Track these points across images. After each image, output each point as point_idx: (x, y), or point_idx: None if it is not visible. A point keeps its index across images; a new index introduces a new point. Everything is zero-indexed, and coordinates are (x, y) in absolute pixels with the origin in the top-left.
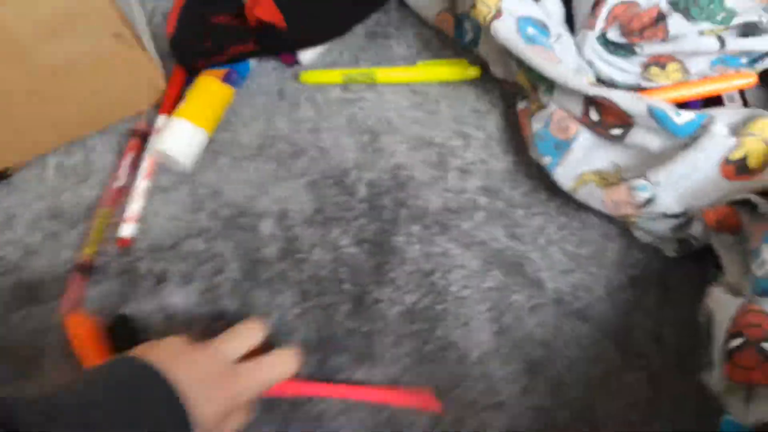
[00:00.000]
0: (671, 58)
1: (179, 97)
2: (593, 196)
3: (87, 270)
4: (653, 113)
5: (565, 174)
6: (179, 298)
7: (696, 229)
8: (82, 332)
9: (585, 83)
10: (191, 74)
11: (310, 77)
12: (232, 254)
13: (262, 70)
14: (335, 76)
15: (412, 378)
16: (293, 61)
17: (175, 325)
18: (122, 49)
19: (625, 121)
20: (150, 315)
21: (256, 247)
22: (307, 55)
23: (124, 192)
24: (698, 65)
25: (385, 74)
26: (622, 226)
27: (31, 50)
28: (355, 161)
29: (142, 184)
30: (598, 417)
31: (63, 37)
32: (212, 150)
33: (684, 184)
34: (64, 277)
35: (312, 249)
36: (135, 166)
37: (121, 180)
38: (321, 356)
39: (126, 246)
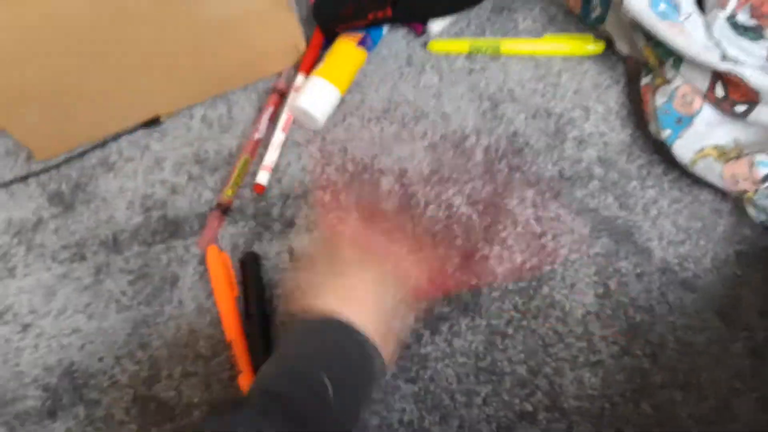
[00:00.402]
0: None
1: (317, 59)
2: (711, 170)
3: (226, 209)
4: None
5: (684, 147)
6: (304, 242)
7: None
8: (217, 264)
9: (715, 57)
10: (329, 38)
11: (438, 46)
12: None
13: (393, 37)
14: (461, 45)
15: (514, 330)
16: (422, 30)
17: (299, 267)
18: (275, 10)
19: (751, 98)
20: (278, 255)
21: (376, 200)
22: (435, 25)
23: (262, 143)
24: None
25: (509, 45)
26: (733, 204)
27: (195, 5)
28: (474, 127)
29: (279, 136)
30: (701, 382)
31: None
32: (342, 110)
33: None
34: (204, 215)
35: (427, 206)
36: (273, 120)
37: (260, 132)
38: (428, 304)
39: (261, 192)
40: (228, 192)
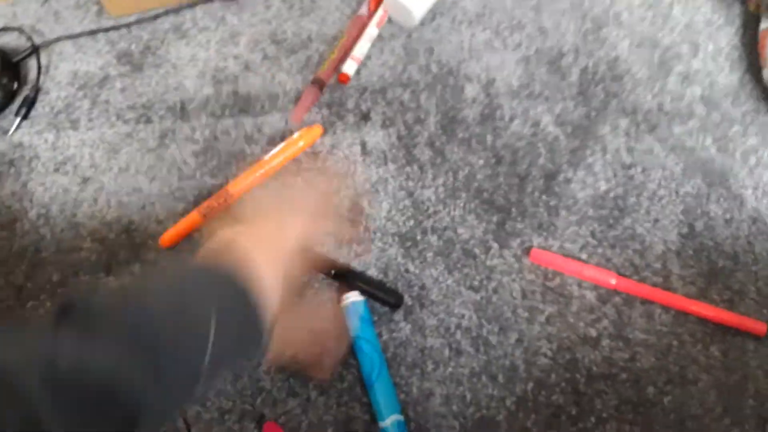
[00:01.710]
0: None
1: None
2: None
3: (322, 86)
4: None
5: None
6: (377, 138)
7: None
8: (302, 141)
9: None
10: None
11: None
12: (435, 109)
13: None
14: None
15: (588, 257)
16: None
17: (369, 161)
18: None
19: None
20: (348, 146)
21: (458, 107)
22: None
23: (358, 29)
24: None
25: None
26: None
27: None
28: (573, 46)
29: (372, 30)
30: None
31: None
32: (434, 10)
33: None
34: (276, 95)
35: (512, 120)
36: (369, 10)
37: (361, 18)
38: (501, 217)
39: (345, 81)
40: (323, 67)
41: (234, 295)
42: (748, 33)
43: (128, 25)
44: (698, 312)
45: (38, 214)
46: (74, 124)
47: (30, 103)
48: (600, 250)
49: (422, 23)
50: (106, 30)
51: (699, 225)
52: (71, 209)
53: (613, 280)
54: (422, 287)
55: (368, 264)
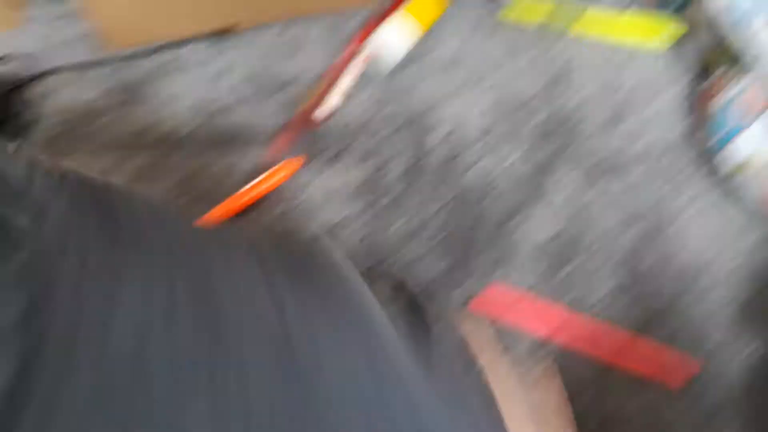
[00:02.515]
0: None
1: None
2: (750, 183)
3: (305, 123)
4: None
5: (734, 151)
6: (348, 177)
7: None
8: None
9: None
10: None
11: (514, 11)
12: (403, 151)
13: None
14: (537, 13)
15: (543, 290)
16: None
17: (338, 199)
18: None
19: None
20: (321, 184)
21: (425, 149)
22: None
23: (338, 71)
24: None
25: (585, 20)
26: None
27: None
28: (534, 96)
29: (353, 69)
30: None
31: None
32: (409, 57)
33: None
34: (257, 131)
35: (474, 164)
36: (352, 53)
37: (341, 62)
38: (459, 257)
39: (321, 122)
40: (303, 107)
41: None
42: (697, 87)
43: (125, 59)
44: (625, 363)
45: None
46: (69, 151)
47: (28, 130)
48: (546, 293)
49: (397, 69)
50: (105, 63)
51: (639, 270)
52: None
53: (552, 327)
54: None
55: None
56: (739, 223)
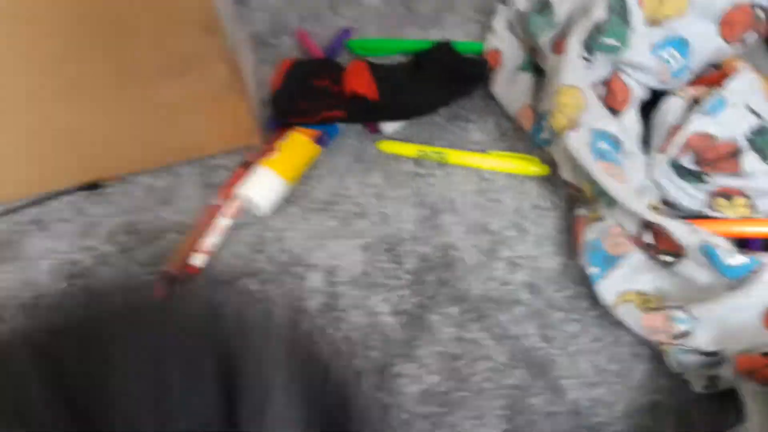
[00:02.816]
0: (740, 192)
1: (271, 148)
2: (631, 316)
3: (172, 281)
4: (705, 250)
5: (608, 288)
6: None
7: (726, 371)
8: None
9: (644, 207)
10: (285, 128)
11: (388, 147)
12: (280, 300)
13: (347, 133)
14: (410, 149)
15: None
16: (375, 130)
17: None
18: (226, 95)
19: (677, 250)
20: None
21: (302, 297)
22: (389, 127)
23: (208, 221)
24: (767, 205)
25: (456, 156)
26: (654, 350)
27: (152, 84)
28: (411, 233)
29: (223, 221)
30: None
31: (182, 76)
32: (287, 198)
33: (723, 324)
34: (126, 290)
35: (351, 310)
36: (223, 202)
37: (213, 208)
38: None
39: (194, 273)
40: (172, 259)
41: None
42: (572, 217)
43: None
44: None
45: None
46: None
47: None
48: None
49: (277, 212)
50: None
51: (521, 420)
52: None
53: None
54: None
55: None
56: (628, 353)
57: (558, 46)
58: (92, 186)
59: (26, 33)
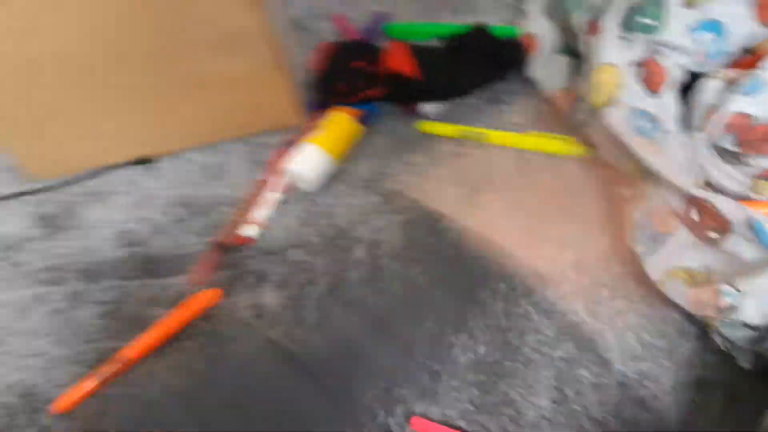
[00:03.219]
0: None
1: (315, 126)
2: (679, 291)
3: (227, 249)
4: (752, 224)
5: (656, 265)
6: (270, 299)
7: None
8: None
9: (689, 182)
10: (326, 108)
11: (428, 127)
12: (325, 270)
13: (388, 115)
14: (451, 130)
15: (466, 423)
16: (415, 112)
17: (261, 323)
18: (270, 73)
19: (724, 226)
20: (245, 308)
21: (346, 268)
22: (428, 108)
23: (257, 195)
24: None
25: (496, 136)
26: (700, 327)
27: (200, 60)
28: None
29: (273, 195)
30: None
31: (231, 55)
32: (334, 176)
33: None
34: (182, 257)
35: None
36: (271, 176)
37: (263, 183)
38: (388, 384)
39: (245, 243)
40: (225, 230)
41: None
42: (613, 198)
43: (49, 189)
44: None
45: None
46: None
47: None
48: (478, 416)
49: (324, 189)
50: (29, 193)
51: (569, 390)
52: None
53: None
54: None
55: None
56: (674, 330)
57: (592, 27)
58: (146, 161)
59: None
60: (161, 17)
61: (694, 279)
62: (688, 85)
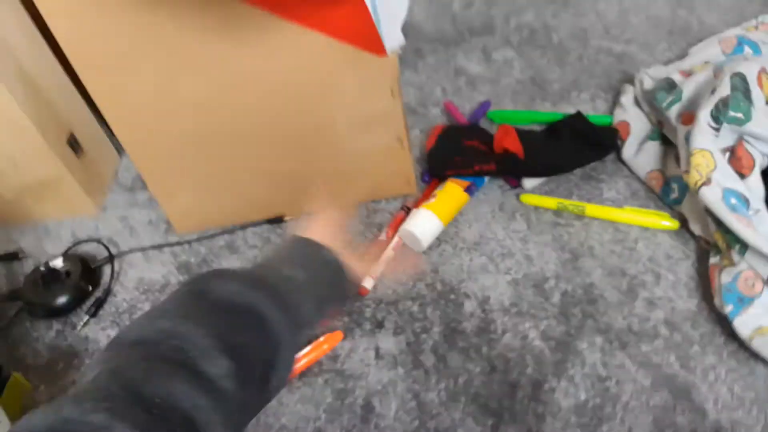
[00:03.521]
0: None
1: (429, 195)
2: (767, 347)
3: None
4: None
5: (744, 324)
6: (389, 344)
7: None
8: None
9: None
10: (439, 179)
11: (530, 199)
12: (438, 321)
13: (490, 186)
14: (551, 202)
15: None
16: (517, 185)
17: (381, 364)
18: (397, 150)
19: None
20: (364, 351)
21: (458, 320)
22: (529, 182)
23: (376, 254)
24: None
25: (594, 209)
26: None
27: (341, 138)
28: (554, 273)
29: (389, 253)
30: None
31: (366, 132)
32: (440, 238)
33: None
34: None
35: (504, 334)
36: (389, 238)
37: (381, 242)
38: (495, 421)
39: (363, 294)
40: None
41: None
42: (702, 265)
43: (190, 242)
44: None
45: None
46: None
47: (99, 304)
48: None
49: (430, 248)
50: (171, 245)
51: None
52: None
53: None
54: None
55: None
56: (763, 384)
57: (685, 117)
58: (277, 220)
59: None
60: (315, 102)
61: None
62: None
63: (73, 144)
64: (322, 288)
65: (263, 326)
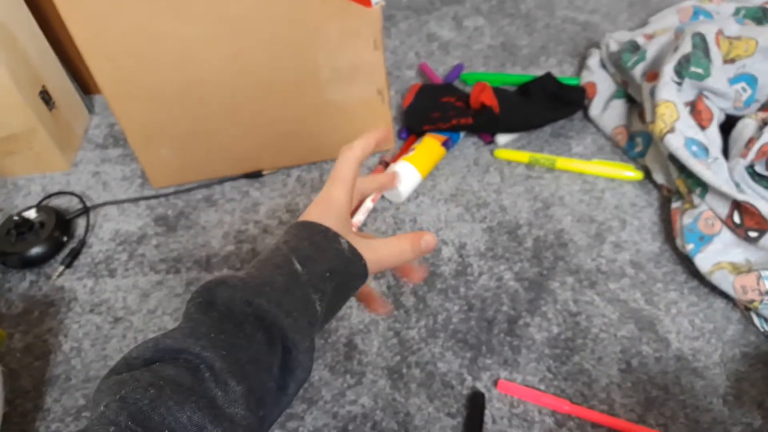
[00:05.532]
0: None
1: (407, 149)
2: (725, 279)
3: None
4: None
5: (704, 260)
6: (371, 287)
7: None
8: None
9: (735, 190)
10: (416, 135)
11: (503, 154)
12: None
13: (465, 142)
14: (523, 156)
15: (546, 387)
16: (490, 140)
17: (363, 306)
18: (378, 103)
19: (763, 226)
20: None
21: (437, 264)
22: (502, 138)
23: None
24: None
25: (563, 162)
26: (742, 314)
27: (324, 87)
28: (527, 220)
29: (368, 204)
30: None
31: (349, 83)
32: (417, 190)
33: None
34: None
35: (480, 276)
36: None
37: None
38: (473, 354)
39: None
40: None
41: (337, 248)
42: (664, 212)
43: (166, 195)
44: None
45: (71, 347)
46: (111, 273)
47: (75, 254)
48: (555, 382)
49: (408, 200)
50: (147, 198)
51: (634, 362)
52: (101, 344)
53: (566, 407)
54: (407, 414)
55: (360, 392)
56: (720, 316)
57: (649, 76)
58: (255, 174)
59: (239, 40)
60: (300, 51)
61: (737, 269)
62: (723, 127)
63: (46, 97)
64: (333, 279)
65: (274, 334)
